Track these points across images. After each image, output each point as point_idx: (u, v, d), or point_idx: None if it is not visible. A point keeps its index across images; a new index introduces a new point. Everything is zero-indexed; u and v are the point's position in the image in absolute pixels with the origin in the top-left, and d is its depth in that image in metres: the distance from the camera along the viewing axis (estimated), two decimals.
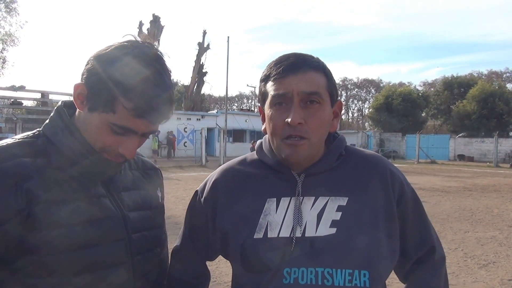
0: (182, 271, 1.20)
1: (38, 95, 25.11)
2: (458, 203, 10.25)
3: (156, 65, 0.97)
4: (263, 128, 1.11)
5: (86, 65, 0.98)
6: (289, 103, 1.00)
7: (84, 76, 0.97)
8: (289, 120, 0.98)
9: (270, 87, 1.04)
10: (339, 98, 1.12)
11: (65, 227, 0.93)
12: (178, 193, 11.15)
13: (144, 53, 0.96)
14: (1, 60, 28.18)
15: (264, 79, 1.07)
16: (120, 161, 1.02)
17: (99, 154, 1.00)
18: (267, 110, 1.05)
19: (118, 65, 0.93)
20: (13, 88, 23.10)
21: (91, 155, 1.00)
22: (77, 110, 1.02)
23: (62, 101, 1.08)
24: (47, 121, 1.05)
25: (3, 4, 26.37)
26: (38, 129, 1.05)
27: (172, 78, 1.01)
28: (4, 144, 0.97)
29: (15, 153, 0.95)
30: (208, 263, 1.25)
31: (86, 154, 0.99)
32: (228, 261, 1.14)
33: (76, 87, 0.98)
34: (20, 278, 0.92)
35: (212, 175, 1.18)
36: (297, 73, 1.01)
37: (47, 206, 0.92)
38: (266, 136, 1.13)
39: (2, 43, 27.69)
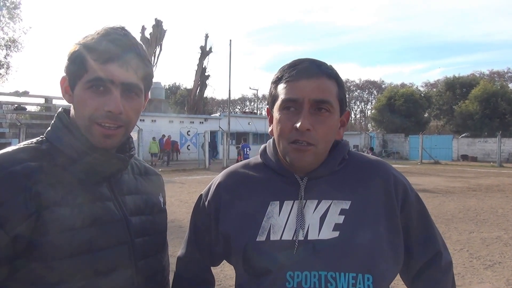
0: (187, 276, 1.20)
1: (42, 100, 25.22)
2: (463, 204, 10.20)
3: (118, 28, 1.04)
4: (269, 130, 1.11)
5: None
6: (299, 108, 1.00)
7: (64, 66, 1.04)
8: (298, 125, 0.98)
9: (281, 89, 1.04)
10: (347, 108, 1.11)
11: (71, 231, 0.94)
12: (181, 196, 11.14)
13: (110, 26, 1.04)
14: (5, 65, 28.36)
15: (276, 81, 1.07)
16: (111, 131, 1.00)
17: (100, 151, 1.01)
18: (276, 113, 1.05)
19: (87, 38, 1.02)
20: (16, 94, 23.22)
21: (93, 152, 1.00)
22: (71, 109, 1.04)
23: (62, 108, 1.10)
24: (49, 128, 1.07)
25: (6, 10, 26.55)
26: (41, 136, 1.06)
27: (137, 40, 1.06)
28: (10, 150, 0.98)
29: (21, 157, 0.96)
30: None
31: (87, 151, 1.00)
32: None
33: (61, 82, 1.05)
34: (22, 284, 0.92)
35: (216, 179, 1.19)
36: (310, 79, 1.01)
37: (54, 209, 0.93)
38: (270, 140, 1.13)
39: (6, 49, 27.87)
